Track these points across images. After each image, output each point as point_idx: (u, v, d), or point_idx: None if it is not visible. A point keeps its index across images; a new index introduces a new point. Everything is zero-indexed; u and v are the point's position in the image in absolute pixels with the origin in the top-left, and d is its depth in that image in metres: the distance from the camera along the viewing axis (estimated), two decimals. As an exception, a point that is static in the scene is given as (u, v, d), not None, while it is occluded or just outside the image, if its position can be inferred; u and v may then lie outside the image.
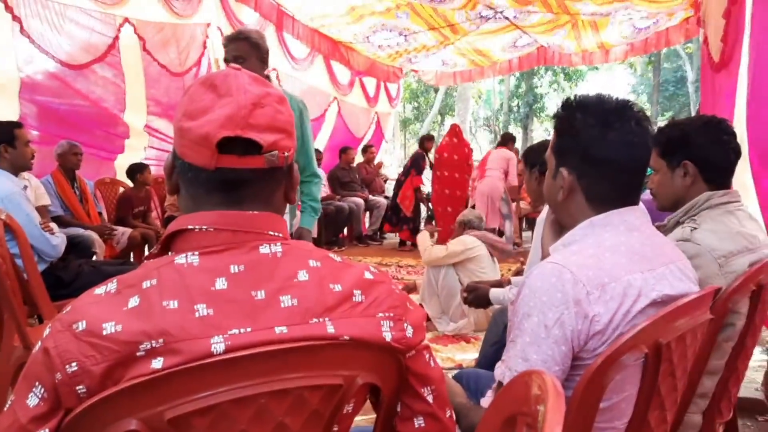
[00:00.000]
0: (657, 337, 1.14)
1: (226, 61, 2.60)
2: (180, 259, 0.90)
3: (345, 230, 8.70)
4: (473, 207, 7.48)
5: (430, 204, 8.95)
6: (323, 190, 8.42)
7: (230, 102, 0.92)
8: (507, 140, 8.54)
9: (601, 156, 1.27)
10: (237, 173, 0.93)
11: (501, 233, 7.61)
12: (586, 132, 1.27)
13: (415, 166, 8.53)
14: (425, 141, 8.87)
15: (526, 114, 23.19)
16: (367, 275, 0.99)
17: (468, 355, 3.92)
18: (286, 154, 0.97)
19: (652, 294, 1.21)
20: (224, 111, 0.92)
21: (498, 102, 26.21)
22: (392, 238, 9.22)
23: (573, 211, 1.33)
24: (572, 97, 1.33)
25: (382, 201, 8.98)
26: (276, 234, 0.96)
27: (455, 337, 4.33)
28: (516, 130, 24.60)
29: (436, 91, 21.50)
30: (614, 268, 1.20)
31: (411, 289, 5.30)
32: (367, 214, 9.19)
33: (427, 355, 1.03)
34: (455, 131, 8.03)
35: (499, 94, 26.38)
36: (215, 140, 0.91)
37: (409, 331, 0.98)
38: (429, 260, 4.43)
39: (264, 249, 0.94)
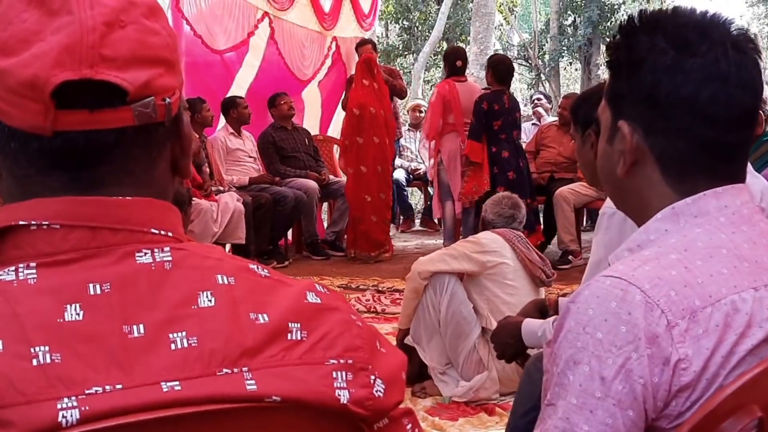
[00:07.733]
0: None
1: None
2: (5, 273, 0.70)
3: (289, 234, 6.45)
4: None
5: (430, 189, 7.04)
6: (252, 167, 6.25)
7: (69, 23, 0.69)
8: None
9: (677, 97, 1.00)
10: (90, 138, 0.71)
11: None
12: (654, 61, 1.01)
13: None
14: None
15: (588, 39, 14.80)
16: (311, 298, 0.77)
17: (492, 436, 2.88)
18: (167, 100, 0.74)
19: None
20: (60, 39, 0.69)
21: (541, 20, 17.73)
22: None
23: (642, 193, 1.07)
24: (636, 15, 1.08)
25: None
26: (162, 232, 0.74)
27: (470, 406, 3.25)
28: (570, 66, 17.04)
29: (440, 2, 14.80)
30: (711, 283, 0.96)
31: (405, 335, 3.57)
32: (325, 206, 6.97)
33: (409, 426, 0.83)
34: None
35: (544, 6, 18.55)
36: (49, 88, 0.68)
37: (379, 388, 0.77)
38: (421, 270, 3.20)
39: (143, 257, 0.73)
